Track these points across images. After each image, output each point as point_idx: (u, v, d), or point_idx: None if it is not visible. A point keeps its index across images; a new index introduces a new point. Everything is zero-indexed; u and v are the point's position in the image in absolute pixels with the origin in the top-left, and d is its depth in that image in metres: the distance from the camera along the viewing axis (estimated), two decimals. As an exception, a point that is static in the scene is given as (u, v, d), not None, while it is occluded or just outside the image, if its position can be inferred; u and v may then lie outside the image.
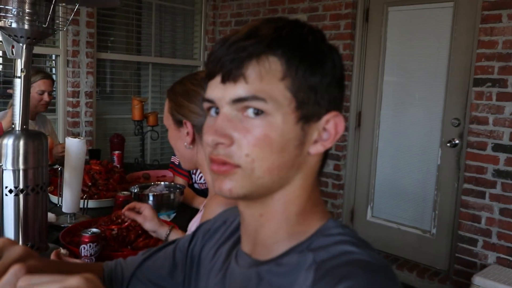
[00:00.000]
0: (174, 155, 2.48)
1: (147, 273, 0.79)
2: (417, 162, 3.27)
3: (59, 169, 1.71)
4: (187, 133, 1.08)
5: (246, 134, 0.54)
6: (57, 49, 3.54)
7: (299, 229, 0.59)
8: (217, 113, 0.57)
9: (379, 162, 3.48)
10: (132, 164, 2.95)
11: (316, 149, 0.58)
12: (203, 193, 2.27)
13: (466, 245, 2.88)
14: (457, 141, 3.04)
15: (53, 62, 3.64)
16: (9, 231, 1.27)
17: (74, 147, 1.67)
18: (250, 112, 0.54)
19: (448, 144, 3.07)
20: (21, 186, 1.26)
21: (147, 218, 1.42)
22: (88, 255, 1.30)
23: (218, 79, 0.56)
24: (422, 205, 3.26)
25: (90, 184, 2.00)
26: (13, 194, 1.25)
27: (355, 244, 0.56)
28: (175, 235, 1.37)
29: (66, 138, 1.72)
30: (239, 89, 0.54)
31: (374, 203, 3.53)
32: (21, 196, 1.26)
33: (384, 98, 3.43)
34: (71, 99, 3.58)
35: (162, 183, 2.06)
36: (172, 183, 2.10)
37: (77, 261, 1.11)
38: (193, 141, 1.08)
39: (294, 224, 0.59)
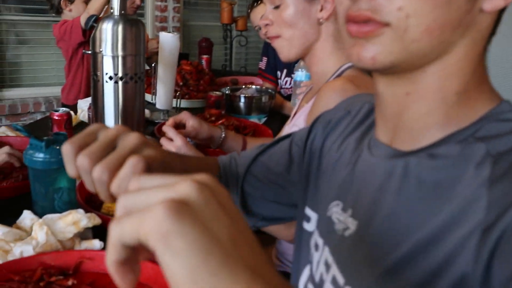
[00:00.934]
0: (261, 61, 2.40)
1: (262, 169, 0.72)
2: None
3: (153, 65, 1.68)
4: (321, 8, 0.97)
5: None
6: (146, -50, 3.46)
7: (460, 112, 0.46)
8: None
9: None
10: (219, 71, 2.91)
11: (493, 4, 0.43)
12: (289, 99, 2.19)
13: None
14: None
15: (142, -36, 3.58)
16: (109, 119, 1.28)
17: (169, 42, 1.63)
18: None
19: None
20: (120, 74, 1.24)
21: (196, 128, 1.17)
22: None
23: None
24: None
25: (181, 83, 1.98)
26: (112, 81, 1.24)
27: None
28: (229, 134, 1.24)
29: (159, 33, 1.68)
30: None
31: None
32: (120, 83, 1.24)
33: None
34: (159, 3, 3.54)
35: (253, 86, 1.99)
36: (263, 88, 2.03)
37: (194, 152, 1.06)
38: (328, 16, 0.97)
39: (453, 105, 0.46)
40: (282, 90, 2.27)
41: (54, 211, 0.88)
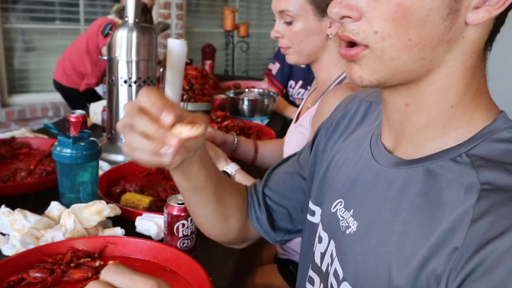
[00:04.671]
0: (269, 64, 2.47)
1: (277, 181, 0.76)
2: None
3: (162, 70, 1.77)
4: (330, 25, 1.04)
5: (376, 4, 0.44)
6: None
7: (457, 126, 0.47)
8: None
9: None
10: (222, 75, 3.00)
11: (478, 17, 0.43)
12: (297, 105, 2.27)
13: None
14: None
15: (145, -27, 3.68)
16: (123, 120, 1.36)
17: (177, 48, 1.72)
18: None
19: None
20: (133, 78, 1.33)
21: (211, 132, 1.28)
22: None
23: None
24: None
25: (187, 88, 2.07)
26: (127, 84, 1.33)
27: None
28: (241, 139, 1.34)
29: (168, 40, 1.77)
30: None
31: None
32: (134, 86, 1.34)
33: None
34: (163, 11, 3.64)
35: (256, 90, 2.08)
36: (266, 91, 2.12)
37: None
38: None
39: (450, 118, 0.47)
40: (290, 98, 2.34)
41: (79, 202, 0.97)
